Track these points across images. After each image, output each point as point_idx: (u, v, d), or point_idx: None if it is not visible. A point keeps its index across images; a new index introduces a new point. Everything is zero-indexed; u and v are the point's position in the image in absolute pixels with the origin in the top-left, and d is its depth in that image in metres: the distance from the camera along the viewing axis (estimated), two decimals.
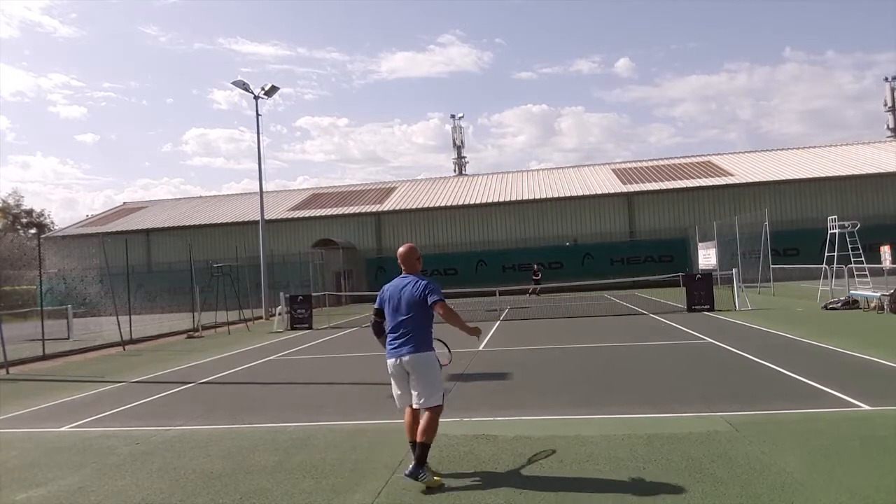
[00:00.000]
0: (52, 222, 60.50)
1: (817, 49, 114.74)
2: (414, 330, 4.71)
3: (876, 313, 14.39)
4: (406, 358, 4.67)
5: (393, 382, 4.83)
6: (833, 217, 18.22)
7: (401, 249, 4.99)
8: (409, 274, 4.91)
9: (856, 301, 15.70)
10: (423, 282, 4.78)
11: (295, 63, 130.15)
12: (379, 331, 4.98)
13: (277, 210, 39.71)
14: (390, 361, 4.78)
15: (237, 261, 24.66)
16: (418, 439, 4.55)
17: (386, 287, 4.97)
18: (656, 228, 34.69)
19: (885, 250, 18.05)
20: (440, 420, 4.73)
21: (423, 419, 4.61)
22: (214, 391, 9.32)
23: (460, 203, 37.27)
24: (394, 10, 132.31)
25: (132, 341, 17.09)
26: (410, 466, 4.50)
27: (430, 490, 4.41)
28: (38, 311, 17.61)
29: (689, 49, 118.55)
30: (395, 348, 4.74)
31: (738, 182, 34.92)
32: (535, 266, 30.67)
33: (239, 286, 21.96)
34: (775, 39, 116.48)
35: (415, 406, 4.70)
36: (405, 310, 4.74)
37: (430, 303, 4.68)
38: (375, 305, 4.98)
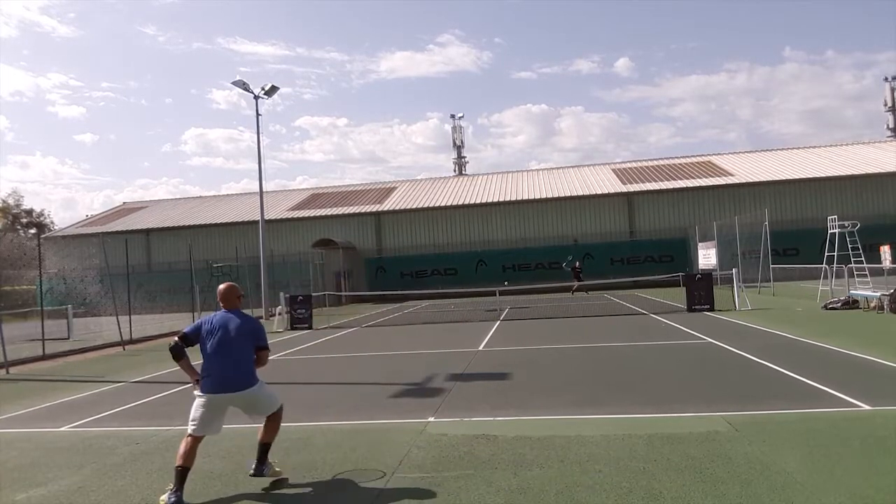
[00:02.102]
0: (52, 222, 60.72)
1: (817, 49, 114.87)
2: (245, 363, 4.77)
3: (876, 313, 14.39)
4: (242, 393, 4.69)
5: (203, 410, 4.60)
6: (833, 217, 18.21)
7: (221, 287, 5.09)
8: (231, 310, 4.95)
9: (856, 301, 15.71)
10: (254, 322, 4.98)
11: (294, 63, 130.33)
12: (179, 354, 4.67)
13: (277, 210, 39.71)
14: (213, 395, 4.62)
15: (237, 261, 24.70)
16: (266, 441, 4.88)
17: (208, 319, 4.92)
18: (656, 228, 34.69)
19: (885, 250, 18.03)
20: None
21: (273, 421, 4.92)
22: None
23: (460, 203, 37.26)
24: (393, 9, 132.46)
25: (132, 341, 17.09)
26: (254, 466, 4.84)
27: (277, 483, 4.76)
28: (38, 311, 17.62)
29: (689, 49, 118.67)
30: (225, 384, 4.65)
31: (738, 182, 34.92)
32: (577, 263, 30.51)
33: (239, 286, 21.91)
34: (775, 39, 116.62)
35: (265, 415, 4.90)
36: (237, 344, 4.73)
37: (261, 345, 4.90)
38: (186, 331, 4.83)
